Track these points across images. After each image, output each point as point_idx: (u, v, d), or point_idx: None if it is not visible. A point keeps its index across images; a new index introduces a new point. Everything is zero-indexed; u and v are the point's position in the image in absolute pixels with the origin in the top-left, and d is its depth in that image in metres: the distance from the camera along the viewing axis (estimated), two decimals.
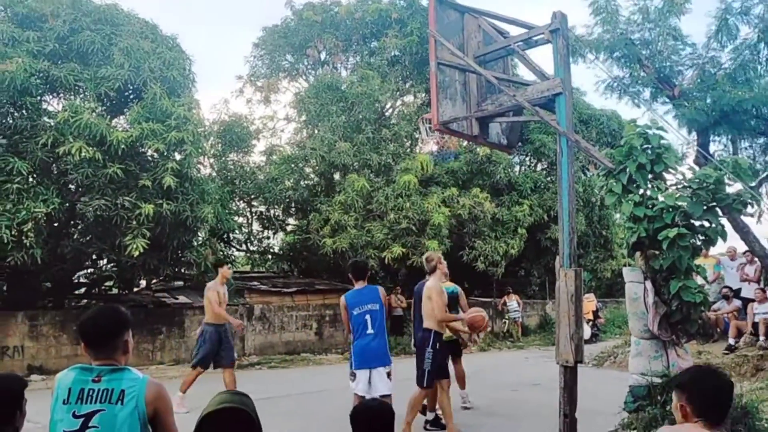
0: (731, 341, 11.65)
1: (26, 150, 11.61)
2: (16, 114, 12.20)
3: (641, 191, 6.60)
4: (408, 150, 19.70)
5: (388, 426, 2.74)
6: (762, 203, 6.78)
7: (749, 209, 6.69)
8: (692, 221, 6.43)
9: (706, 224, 6.47)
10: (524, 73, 14.52)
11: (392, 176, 17.65)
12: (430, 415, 7.79)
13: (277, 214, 20.05)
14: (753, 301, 11.80)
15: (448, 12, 6.66)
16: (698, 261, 7.11)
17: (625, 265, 10.47)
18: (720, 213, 6.57)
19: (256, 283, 17.59)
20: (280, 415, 8.20)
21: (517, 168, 22.54)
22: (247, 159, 19.42)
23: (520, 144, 19.45)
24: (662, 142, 6.55)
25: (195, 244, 13.97)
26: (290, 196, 18.42)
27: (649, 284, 6.56)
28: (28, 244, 10.96)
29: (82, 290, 16.10)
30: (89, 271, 15.75)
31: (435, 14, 6.44)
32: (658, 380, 6.38)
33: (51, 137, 11.44)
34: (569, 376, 5.53)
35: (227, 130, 18.16)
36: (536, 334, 21.44)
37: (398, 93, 20.65)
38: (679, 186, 6.69)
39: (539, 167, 22.85)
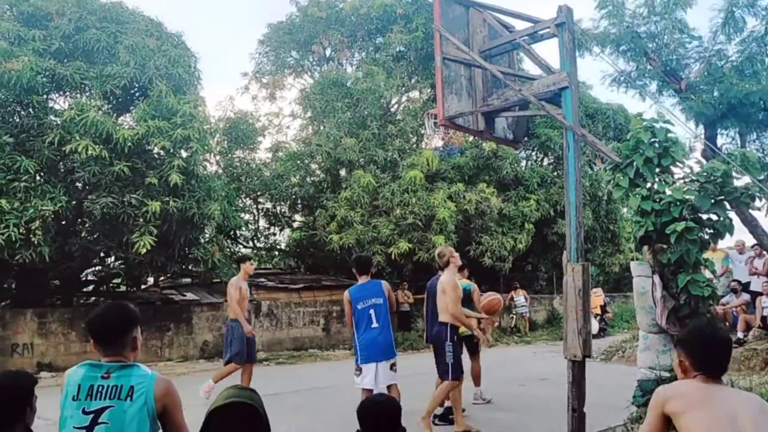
0: (740, 335, 11.60)
1: (33, 148, 11.67)
2: (22, 112, 12.27)
3: (648, 185, 6.58)
4: (414, 146, 19.67)
5: (395, 421, 2.74)
6: None
7: (757, 202, 6.67)
8: (700, 215, 6.41)
9: (714, 218, 6.45)
10: (530, 67, 14.44)
11: (398, 172, 17.63)
12: (439, 410, 7.79)
13: (283, 210, 20.07)
14: (762, 294, 11.75)
15: (453, 7, 6.63)
16: (706, 255, 7.10)
17: (632, 260, 10.44)
18: (728, 206, 6.54)
19: (263, 279, 17.64)
20: (288, 411, 8.22)
21: (523, 163, 22.43)
22: (252, 156, 19.45)
23: (526, 139, 19.40)
24: (669, 135, 6.53)
25: (202, 241, 14.01)
26: (296, 193, 18.44)
27: (657, 278, 6.54)
28: (36, 242, 11.01)
29: (90, 288, 16.18)
30: (97, 268, 15.84)
31: (440, 9, 6.42)
32: (666, 374, 6.37)
33: (57, 135, 11.49)
34: (577, 371, 5.52)
35: (233, 127, 18.18)
36: (544, 329, 21.40)
37: (404, 89, 20.59)
38: (686, 179, 6.68)
39: (546, 162, 22.75)
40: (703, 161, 7.69)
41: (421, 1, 20.04)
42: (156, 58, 12.70)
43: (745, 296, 12.43)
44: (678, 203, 6.27)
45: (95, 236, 13.20)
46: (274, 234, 21.13)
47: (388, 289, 6.75)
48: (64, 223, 12.93)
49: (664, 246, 6.55)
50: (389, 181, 17.39)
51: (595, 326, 17.45)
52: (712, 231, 6.47)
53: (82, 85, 12.52)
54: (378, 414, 2.74)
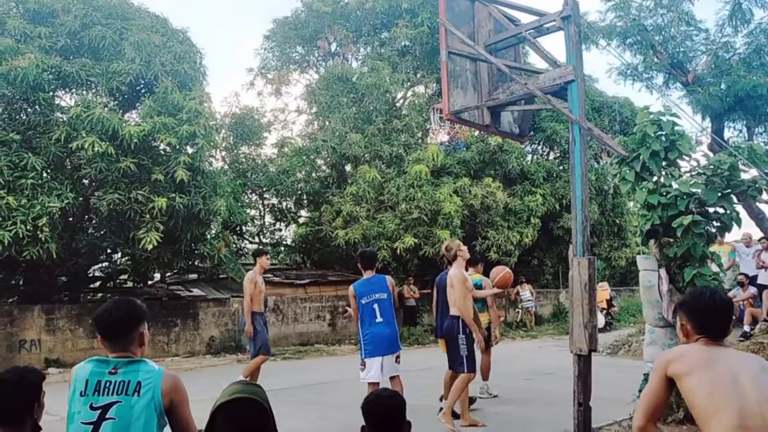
0: (746, 328, 11.55)
1: (40, 145, 11.71)
2: (29, 110, 12.31)
3: (655, 178, 6.56)
4: (419, 140, 19.65)
5: (399, 415, 2.74)
6: None
7: (764, 195, 6.63)
8: (707, 208, 6.38)
9: (721, 211, 6.42)
10: (535, 60, 14.41)
11: (404, 167, 17.62)
12: (444, 403, 7.79)
13: (289, 206, 20.11)
14: None
15: (459, 0, 6.60)
16: (713, 248, 7.06)
17: (639, 254, 10.42)
18: (735, 199, 6.51)
19: (269, 275, 17.63)
20: (295, 405, 8.25)
21: (529, 157, 22.39)
22: (258, 151, 19.47)
23: (531, 133, 19.33)
24: (676, 128, 6.50)
25: (208, 236, 14.04)
26: (302, 188, 18.47)
27: (663, 272, 6.52)
28: (43, 239, 11.06)
29: (98, 284, 16.26)
30: (104, 264, 15.93)
31: (445, 3, 6.40)
32: None
33: (64, 132, 11.52)
34: (583, 365, 5.52)
35: (238, 123, 18.18)
36: (550, 324, 21.40)
37: (409, 83, 20.57)
38: (693, 173, 6.65)
39: (552, 156, 22.71)
40: (710, 154, 7.65)
41: None
42: (162, 55, 12.70)
43: (752, 289, 12.36)
44: (685, 197, 6.24)
45: (102, 233, 13.25)
46: (280, 230, 21.18)
47: (392, 284, 6.79)
48: (71, 219, 12.97)
49: (671, 240, 6.52)
50: (395, 176, 17.39)
51: (601, 320, 17.43)
52: (718, 224, 6.44)
53: (88, 82, 12.54)
54: (383, 409, 2.74)
